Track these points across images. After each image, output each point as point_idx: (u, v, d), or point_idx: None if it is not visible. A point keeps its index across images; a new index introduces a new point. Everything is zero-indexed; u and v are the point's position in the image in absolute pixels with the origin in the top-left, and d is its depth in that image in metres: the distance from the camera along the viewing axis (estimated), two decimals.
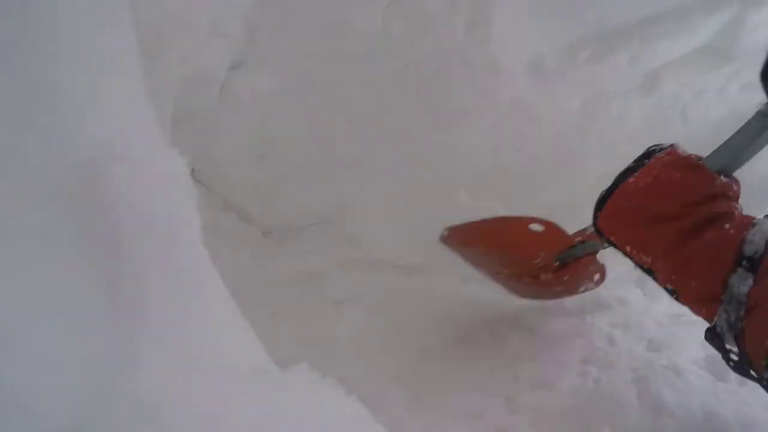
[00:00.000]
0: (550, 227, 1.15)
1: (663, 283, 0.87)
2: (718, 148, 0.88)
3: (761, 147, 0.86)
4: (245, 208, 1.62)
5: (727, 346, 0.76)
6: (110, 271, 0.51)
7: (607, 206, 0.90)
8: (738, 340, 0.75)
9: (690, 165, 0.85)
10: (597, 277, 1.22)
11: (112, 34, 0.65)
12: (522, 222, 1.17)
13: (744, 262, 0.76)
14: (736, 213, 0.84)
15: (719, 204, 0.82)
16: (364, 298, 1.46)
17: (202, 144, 1.55)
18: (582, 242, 1.13)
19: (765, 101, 0.82)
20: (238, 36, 1.56)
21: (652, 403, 1.05)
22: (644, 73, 1.74)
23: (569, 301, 1.39)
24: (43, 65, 0.55)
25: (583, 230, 1.13)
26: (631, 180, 0.88)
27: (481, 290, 1.46)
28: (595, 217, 0.93)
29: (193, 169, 1.54)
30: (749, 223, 0.80)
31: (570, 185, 1.68)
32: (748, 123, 0.86)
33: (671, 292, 0.86)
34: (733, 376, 1.04)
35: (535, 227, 1.15)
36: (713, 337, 0.79)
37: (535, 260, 1.18)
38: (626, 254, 0.91)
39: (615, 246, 0.92)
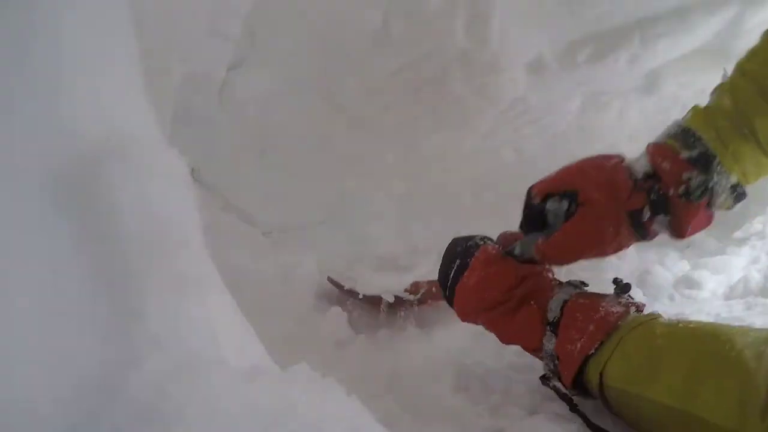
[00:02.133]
0: None
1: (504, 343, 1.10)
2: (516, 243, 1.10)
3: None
4: (245, 208, 1.62)
5: (557, 385, 1.01)
6: (110, 271, 0.51)
7: (456, 304, 1.11)
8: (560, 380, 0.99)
9: (498, 260, 1.07)
10: None
11: (112, 34, 0.65)
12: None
13: (548, 327, 0.99)
14: (547, 281, 1.07)
15: (527, 284, 1.04)
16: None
17: (202, 144, 1.54)
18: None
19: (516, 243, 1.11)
20: (237, 36, 1.56)
21: None
22: (644, 73, 1.74)
23: None
24: (42, 65, 0.55)
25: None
26: (463, 281, 1.08)
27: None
28: (449, 302, 1.14)
29: (193, 169, 1.54)
30: (550, 296, 1.02)
31: None
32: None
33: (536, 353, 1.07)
34: None
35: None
36: (544, 381, 1.04)
37: None
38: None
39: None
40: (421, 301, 1.42)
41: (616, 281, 1.04)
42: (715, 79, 1.07)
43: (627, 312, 0.95)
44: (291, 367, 0.55)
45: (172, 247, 0.54)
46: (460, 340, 1.27)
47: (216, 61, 1.55)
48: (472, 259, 1.09)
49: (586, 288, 1.05)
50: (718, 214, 1.01)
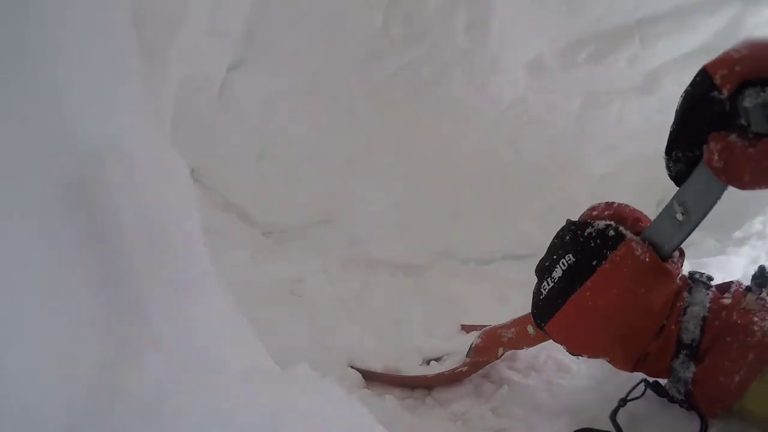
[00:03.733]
0: (473, 364, 1.08)
1: (615, 366, 0.88)
2: (660, 225, 0.81)
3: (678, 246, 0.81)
4: (245, 208, 1.62)
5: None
6: (110, 271, 0.51)
7: (558, 317, 0.83)
8: (687, 397, 0.83)
9: (655, 271, 0.79)
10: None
11: (113, 35, 0.65)
12: (444, 376, 1.09)
13: (684, 351, 0.80)
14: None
15: (668, 298, 0.82)
16: (364, 298, 1.46)
17: (202, 144, 1.55)
18: (503, 353, 1.06)
19: (672, 199, 0.78)
20: (237, 36, 1.56)
21: None
22: (644, 73, 1.74)
23: None
24: (43, 65, 0.55)
25: (498, 335, 1.06)
26: (584, 293, 0.80)
27: (481, 290, 1.46)
28: (541, 321, 0.87)
29: (193, 169, 1.54)
30: (680, 307, 0.82)
31: (570, 185, 1.68)
32: (663, 221, 0.80)
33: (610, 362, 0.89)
34: None
35: (461, 369, 1.08)
36: (658, 390, 0.86)
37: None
38: (574, 355, 0.89)
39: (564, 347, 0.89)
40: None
41: (762, 273, 0.84)
42: None
43: None
44: (291, 367, 0.55)
45: (172, 247, 0.54)
46: None
47: (216, 61, 1.55)
48: (606, 262, 0.79)
49: (711, 283, 0.86)
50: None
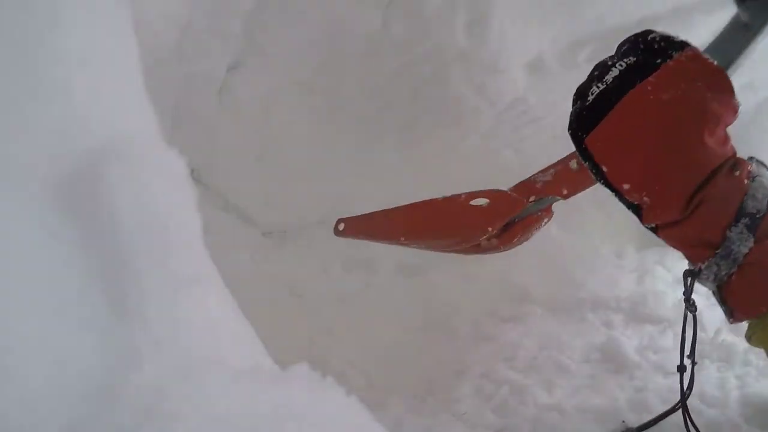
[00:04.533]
0: (495, 198, 0.94)
1: (650, 221, 0.76)
2: (719, 49, 0.79)
3: (746, 57, 0.82)
4: (245, 208, 1.61)
5: (706, 286, 0.73)
6: (110, 271, 0.51)
7: (607, 124, 0.71)
8: (722, 291, 0.72)
9: (723, 82, 0.70)
10: (546, 220, 1.01)
11: (113, 34, 0.65)
12: (459, 201, 0.95)
13: (745, 219, 0.69)
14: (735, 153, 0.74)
15: (729, 139, 0.72)
16: (364, 298, 1.46)
17: (202, 144, 1.54)
18: (536, 200, 0.94)
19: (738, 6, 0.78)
20: (238, 36, 1.56)
21: None
22: None
23: (569, 301, 1.39)
24: (43, 65, 0.55)
25: (531, 183, 0.98)
26: (645, 87, 0.68)
27: (481, 290, 1.46)
28: (579, 135, 0.75)
29: (193, 169, 1.54)
30: (749, 171, 0.73)
31: None
32: (728, 31, 0.82)
33: (654, 229, 0.77)
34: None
35: (478, 202, 0.94)
36: (691, 276, 0.74)
37: (482, 236, 0.95)
38: (614, 190, 0.76)
39: (602, 180, 0.76)
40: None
41: None
42: None
43: None
44: (291, 367, 0.55)
45: (172, 247, 0.54)
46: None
47: (216, 61, 1.55)
48: (671, 60, 0.70)
49: None
50: None
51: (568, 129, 0.77)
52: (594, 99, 0.74)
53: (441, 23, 1.67)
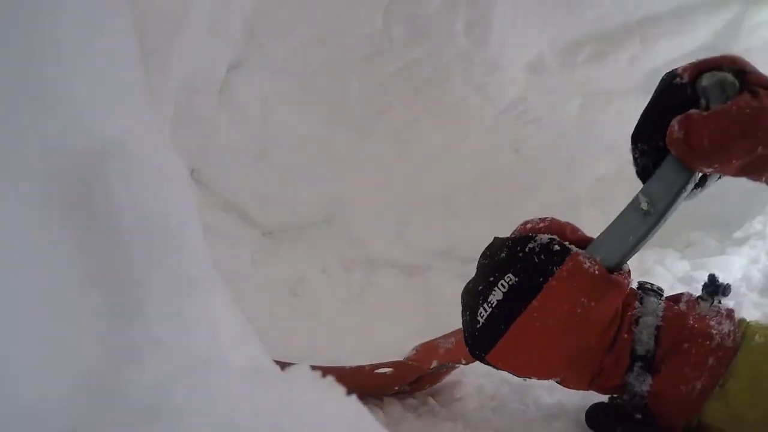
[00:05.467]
0: (398, 368, 1.01)
1: (568, 386, 0.86)
2: (602, 241, 0.80)
3: (648, 241, 0.80)
4: (245, 208, 1.62)
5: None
6: (110, 271, 0.51)
7: (502, 344, 0.78)
8: (644, 411, 0.79)
9: (604, 285, 0.76)
10: (454, 370, 1.07)
11: (112, 34, 0.65)
12: (363, 371, 1.00)
13: (638, 363, 0.77)
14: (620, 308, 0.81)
15: (618, 311, 0.79)
16: (364, 298, 1.46)
17: (202, 144, 1.55)
18: (438, 365, 1.01)
19: (639, 192, 0.78)
20: (237, 36, 1.56)
21: None
22: (644, 73, 1.74)
23: None
24: (42, 65, 0.55)
25: (433, 348, 1.03)
26: (531, 314, 0.75)
27: None
28: (479, 354, 0.81)
29: (193, 169, 1.55)
30: (631, 317, 0.79)
31: (570, 185, 1.68)
32: (627, 216, 0.80)
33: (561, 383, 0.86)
34: None
35: (383, 371, 1.00)
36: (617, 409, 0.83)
37: (391, 392, 1.04)
38: (520, 377, 0.86)
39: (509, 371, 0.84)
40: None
41: (712, 281, 0.82)
42: None
43: (737, 329, 0.78)
44: (291, 367, 0.55)
45: (172, 247, 0.54)
46: None
47: (216, 61, 1.55)
48: (553, 278, 0.76)
49: (662, 294, 0.84)
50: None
51: (466, 344, 0.83)
52: (484, 323, 0.79)
53: (441, 23, 1.67)
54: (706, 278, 0.86)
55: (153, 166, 0.57)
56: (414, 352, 1.07)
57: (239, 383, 0.50)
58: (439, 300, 1.42)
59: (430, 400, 1.05)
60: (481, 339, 0.80)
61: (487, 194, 1.68)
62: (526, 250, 0.78)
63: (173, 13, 1.29)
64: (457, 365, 1.03)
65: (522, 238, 0.81)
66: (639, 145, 0.78)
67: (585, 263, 0.76)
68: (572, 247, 0.79)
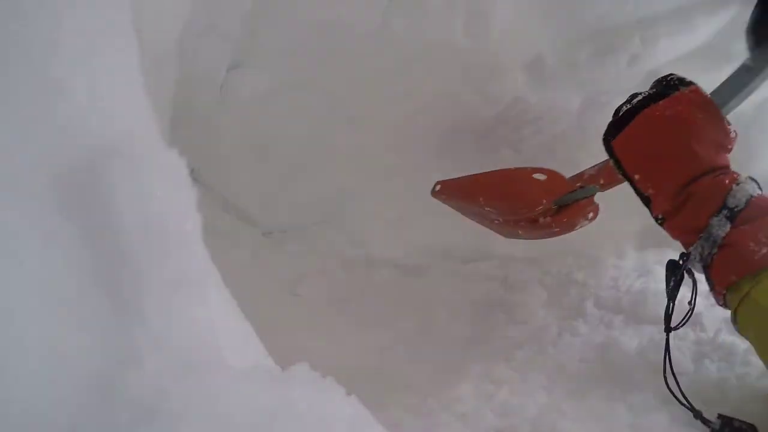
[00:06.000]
0: (552, 175, 1.23)
1: (655, 212, 1.00)
2: (721, 90, 1.02)
3: (749, 95, 1.03)
4: (245, 208, 1.62)
5: (693, 270, 0.96)
6: (110, 271, 0.51)
7: (628, 130, 0.99)
8: (706, 270, 0.94)
9: (713, 111, 0.95)
10: (591, 215, 1.25)
11: (113, 34, 0.65)
12: (525, 172, 1.24)
13: (725, 211, 0.91)
14: (729, 167, 0.97)
15: (724, 157, 0.96)
16: (364, 298, 1.46)
17: (202, 144, 1.55)
18: (581, 187, 1.20)
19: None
20: (237, 36, 1.56)
21: None
22: (644, 73, 1.74)
23: (569, 301, 1.39)
24: (42, 65, 0.55)
25: (581, 174, 1.22)
26: (656, 107, 0.96)
27: (481, 290, 1.46)
28: (608, 139, 1.02)
29: (193, 169, 1.55)
30: (736, 178, 0.94)
31: None
32: (738, 73, 1.03)
33: (658, 219, 1.01)
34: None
35: (538, 176, 1.22)
36: (683, 259, 0.97)
37: (538, 207, 1.20)
38: (630, 180, 1.02)
39: (622, 171, 1.03)
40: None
41: None
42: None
43: None
44: (291, 367, 0.55)
45: (172, 247, 0.54)
46: None
47: (216, 61, 1.55)
48: (677, 92, 0.98)
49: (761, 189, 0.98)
50: None
51: (603, 136, 1.06)
52: (621, 114, 1.02)
53: (440, 23, 1.67)
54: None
55: (153, 165, 0.57)
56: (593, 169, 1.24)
57: (239, 383, 0.50)
58: (439, 300, 1.42)
59: (430, 400, 1.05)
60: (614, 126, 1.02)
61: None
62: (668, 78, 1.01)
63: (173, 13, 1.29)
64: (595, 190, 1.20)
65: (669, 74, 1.03)
66: (753, 35, 1.05)
67: (703, 91, 0.97)
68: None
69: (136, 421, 0.45)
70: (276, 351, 0.64)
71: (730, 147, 0.97)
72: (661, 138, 0.97)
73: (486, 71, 1.70)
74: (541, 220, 1.22)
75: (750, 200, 0.92)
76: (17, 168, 0.51)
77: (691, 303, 1.00)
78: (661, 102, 0.97)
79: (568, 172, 1.69)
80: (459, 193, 1.31)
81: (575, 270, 1.49)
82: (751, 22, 1.04)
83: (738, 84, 1.03)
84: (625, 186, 1.09)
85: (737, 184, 0.93)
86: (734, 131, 0.98)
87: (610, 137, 1.03)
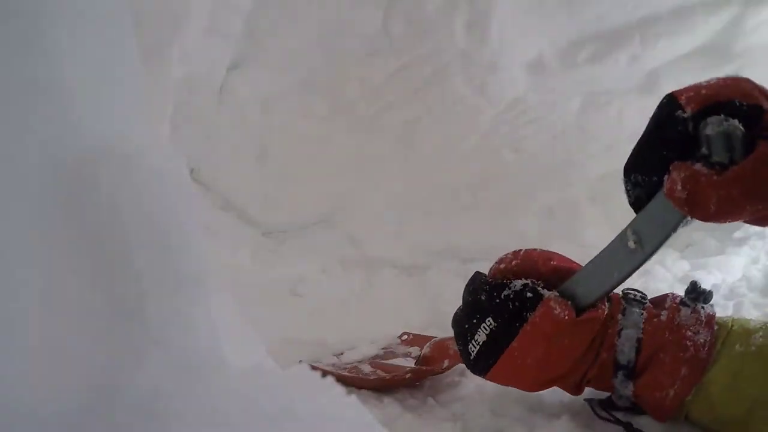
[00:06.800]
0: (417, 372, 1.08)
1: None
2: (584, 276, 0.84)
3: (628, 277, 0.83)
4: (245, 208, 1.62)
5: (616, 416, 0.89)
6: (110, 271, 0.51)
7: (493, 374, 0.88)
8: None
9: (575, 327, 0.83)
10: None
11: (112, 34, 0.65)
12: (384, 382, 1.07)
13: (621, 372, 0.84)
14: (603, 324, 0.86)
15: (599, 339, 0.85)
16: (364, 298, 1.46)
17: (201, 144, 1.55)
18: (452, 365, 1.06)
19: (627, 226, 0.78)
20: (238, 36, 1.56)
21: None
22: (644, 73, 1.74)
23: None
24: (42, 65, 0.55)
25: (447, 347, 1.07)
26: (512, 353, 0.84)
27: None
28: (480, 375, 0.91)
29: (192, 169, 1.55)
30: (613, 334, 0.85)
31: (570, 185, 1.68)
32: (612, 251, 0.81)
33: None
34: None
35: (407, 376, 1.07)
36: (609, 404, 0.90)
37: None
38: None
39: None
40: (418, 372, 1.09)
41: (693, 288, 0.87)
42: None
43: (714, 339, 0.82)
44: (291, 367, 0.55)
45: (172, 247, 0.54)
46: None
47: (216, 61, 1.55)
48: (527, 324, 0.83)
49: (645, 301, 0.88)
50: None
51: (467, 365, 0.92)
52: (475, 357, 0.88)
53: (441, 23, 1.67)
54: (702, 279, 0.92)
55: (153, 165, 0.57)
56: (428, 349, 1.12)
57: (239, 383, 0.50)
58: (440, 300, 1.42)
59: (430, 400, 1.04)
60: (477, 367, 0.89)
61: (487, 194, 1.68)
62: (502, 297, 0.85)
63: (173, 13, 1.29)
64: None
65: (498, 285, 0.87)
66: (632, 176, 0.76)
67: (555, 309, 0.82)
68: (545, 291, 0.84)
69: (136, 421, 0.45)
70: (276, 351, 0.64)
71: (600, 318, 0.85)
72: (535, 374, 0.87)
73: (486, 71, 1.70)
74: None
75: (639, 346, 0.83)
76: (17, 168, 0.51)
77: None
78: (513, 345, 0.83)
79: (568, 172, 1.70)
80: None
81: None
82: (631, 158, 0.78)
83: (613, 270, 0.82)
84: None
85: (619, 336, 0.84)
86: (602, 305, 0.85)
87: (478, 375, 0.91)
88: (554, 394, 1.00)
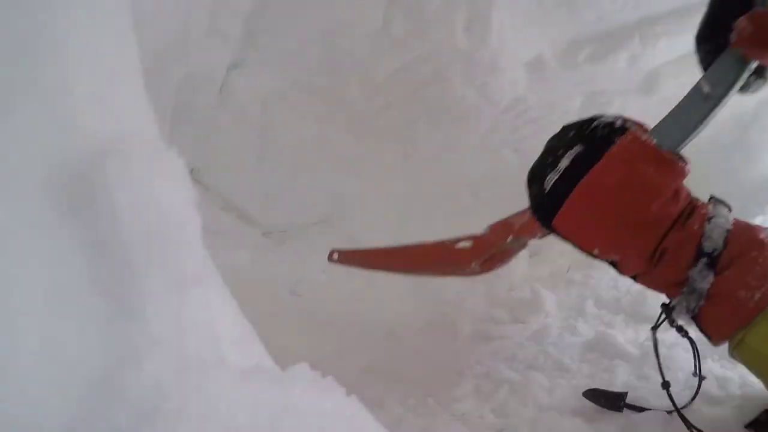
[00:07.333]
0: (478, 242, 1.06)
1: (626, 273, 0.87)
2: (665, 123, 0.86)
3: (706, 125, 0.85)
4: (245, 208, 1.62)
5: (678, 321, 0.84)
6: (110, 271, 0.51)
7: (568, 206, 0.82)
8: (697, 320, 0.82)
9: (660, 159, 0.81)
10: (522, 250, 1.12)
11: (113, 34, 0.65)
12: (447, 246, 1.07)
13: (704, 259, 0.80)
14: (693, 201, 0.85)
15: (684, 196, 0.83)
16: (364, 298, 1.46)
17: (201, 144, 1.55)
18: (513, 240, 1.04)
19: (701, 78, 0.85)
20: (237, 36, 1.56)
21: None
22: (644, 73, 1.74)
23: (569, 301, 1.40)
24: (43, 65, 0.55)
25: (511, 222, 1.05)
26: (593, 176, 0.80)
27: (481, 290, 1.46)
28: (546, 217, 0.85)
29: (192, 169, 1.55)
30: (705, 215, 0.82)
31: None
32: (692, 100, 0.86)
33: (632, 277, 0.89)
34: None
35: (463, 245, 1.06)
36: (667, 310, 0.85)
37: (465, 269, 1.08)
38: (587, 253, 0.87)
39: (574, 246, 0.87)
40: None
41: None
42: None
43: None
44: (291, 367, 0.55)
45: (172, 247, 0.54)
46: None
47: (216, 61, 1.55)
48: (614, 146, 0.80)
49: (731, 209, 0.85)
50: None
51: (533, 212, 0.88)
52: (551, 187, 0.84)
53: (441, 23, 1.67)
54: None
55: (153, 165, 0.57)
56: (488, 230, 1.08)
57: (239, 383, 0.50)
58: (440, 300, 1.42)
59: (430, 400, 1.05)
60: (548, 203, 0.84)
61: (487, 194, 1.68)
62: (593, 126, 0.84)
63: (173, 13, 1.29)
64: (530, 240, 1.04)
65: (588, 118, 0.86)
66: (702, 45, 0.85)
67: (642, 136, 0.81)
68: (634, 125, 0.84)
69: (136, 421, 0.45)
70: (276, 351, 0.64)
71: (683, 179, 0.84)
72: (612, 209, 0.82)
73: (486, 71, 1.70)
74: (468, 270, 1.09)
75: (728, 237, 0.80)
76: (17, 168, 0.51)
77: (697, 374, 0.92)
78: (597, 166, 0.80)
79: None
80: (367, 262, 1.17)
81: (575, 270, 1.49)
82: (700, 29, 0.85)
83: (691, 116, 0.85)
84: None
85: (709, 222, 0.81)
86: (685, 161, 0.85)
87: (545, 216, 0.85)
88: (554, 393, 1.00)
